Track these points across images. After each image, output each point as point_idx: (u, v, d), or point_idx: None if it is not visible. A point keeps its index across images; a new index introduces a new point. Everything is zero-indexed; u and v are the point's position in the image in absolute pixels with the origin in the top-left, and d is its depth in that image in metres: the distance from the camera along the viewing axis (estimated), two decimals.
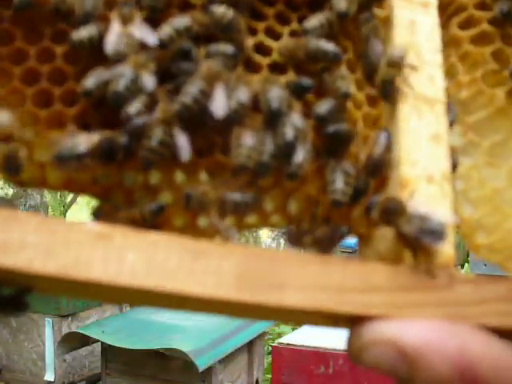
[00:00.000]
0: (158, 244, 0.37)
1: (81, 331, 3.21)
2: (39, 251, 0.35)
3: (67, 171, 0.42)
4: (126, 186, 0.43)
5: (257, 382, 3.57)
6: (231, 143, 0.42)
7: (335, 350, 2.68)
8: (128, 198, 0.43)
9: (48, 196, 13.57)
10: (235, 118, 0.42)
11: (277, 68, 0.46)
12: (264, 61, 0.45)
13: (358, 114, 0.47)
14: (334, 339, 2.82)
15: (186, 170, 0.43)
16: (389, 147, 0.43)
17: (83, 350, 3.77)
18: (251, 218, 0.45)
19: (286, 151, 0.42)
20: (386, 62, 0.43)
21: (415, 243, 0.40)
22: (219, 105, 0.42)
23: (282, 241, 11.00)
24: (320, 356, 2.68)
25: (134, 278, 0.36)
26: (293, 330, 4.72)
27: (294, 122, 0.42)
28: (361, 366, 0.40)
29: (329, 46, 0.44)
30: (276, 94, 0.42)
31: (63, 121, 0.44)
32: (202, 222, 0.43)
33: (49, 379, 3.73)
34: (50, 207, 12.87)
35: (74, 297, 0.54)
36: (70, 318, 3.79)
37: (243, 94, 0.42)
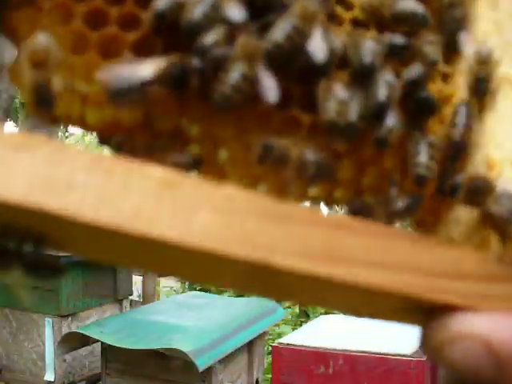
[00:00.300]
0: (234, 201, 0.30)
1: (81, 331, 3.21)
2: (90, 195, 0.28)
3: (123, 107, 0.34)
4: (181, 132, 0.36)
5: (257, 381, 3.57)
6: (318, 96, 0.36)
7: (335, 349, 2.68)
8: (181, 149, 0.36)
9: None
10: (329, 67, 0.36)
11: (357, 25, 0.40)
12: (346, 15, 0.40)
13: (433, 88, 0.41)
14: (334, 339, 2.82)
15: (257, 122, 0.37)
16: (470, 126, 0.38)
17: (83, 350, 3.77)
18: (314, 190, 0.38)
19: (377, 112, 0.37)
20: (475, 60, 0.40)
21: (504, 225, 0.35)
22: (319, 46, 0.36)
23: None
24: (320, 356, 2.68)
25: (206, 240, 0.29)
26: (293, 330, 4.72)
27: (388, 79, 0.37)
28: (439, 364, 0.35)
29: (418, 8, 0.40)
30: (369, 47, 0.37)
31: (118, 47, 0.36)
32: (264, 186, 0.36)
33: (49, 379, 3.73)
34: None
35: (110, 259, 0.35)
36: (70, 318, 3.79)
37: (337, 42, 0.37)
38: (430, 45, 0.40)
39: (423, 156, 0.38)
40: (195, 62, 0.34)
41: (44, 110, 0.35)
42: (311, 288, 0.34)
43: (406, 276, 0.33)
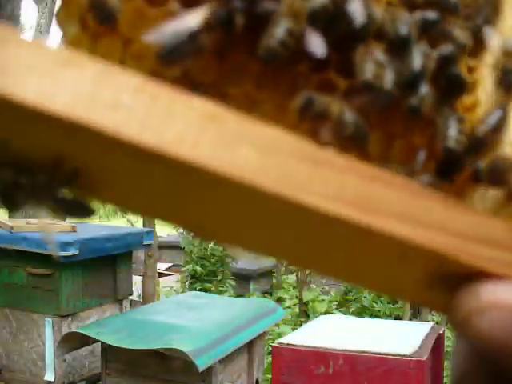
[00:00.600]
0: (276, 141, 0.30)
1: (81, 331, 3.21)
2: (134, 117, 0.28)
3: (175, 64, 0.33)
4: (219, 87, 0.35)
5: (257, 381, 3.57)
6: (356, 60, 0.36)
7: (335, 349, 2.68)
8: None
9: None
10: (367, 31, 0.37)
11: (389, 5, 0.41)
12: None
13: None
14: (334, 339, 2.82)
15: (293, 83, 0.36)
16: (498, 128, 0.39)
17: (83, 350, 3.77)
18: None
19: (411, 81, 0.37)
20: (502, 52, 0.40)
21: None
22: (359, 9, 0.36)
23: None
24: (320, 356, 2.69)
25: (247, 172, 0.29)
26: (293, 330, 4.72)
27: (423, 51, 0.38)
28: (465, 335, 0.34)
29: None
30: (405, 20, 0.38)
31: None
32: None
33: (49, 379, 3.73)
34: None
35: (146, 207, 0.34)
36: (70, 318, 3.79)
37: (376, 12, 0.37)
38: (461, 29, 0.40)
39: (453, 130, 0.38)
40: (238, 3, 0.33)
41: (108, 27, 0.34)
42: (340, 240, 0.33)
43: (443, 236, 0.33)
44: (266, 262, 9.14)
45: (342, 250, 0.35)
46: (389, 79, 0.36)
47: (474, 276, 0.33)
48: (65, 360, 3.77)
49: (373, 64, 0.36)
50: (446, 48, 0.39)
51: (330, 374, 2.67)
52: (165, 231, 12.17)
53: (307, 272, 6.13)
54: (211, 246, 7.10)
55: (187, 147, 0.28)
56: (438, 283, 0.35)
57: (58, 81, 0.27)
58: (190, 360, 2.73)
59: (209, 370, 2.93)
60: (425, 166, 0.39)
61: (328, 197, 0.31)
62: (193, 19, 0.32)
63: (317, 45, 0.35)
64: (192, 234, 0.39)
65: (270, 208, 0.31)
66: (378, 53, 0.37)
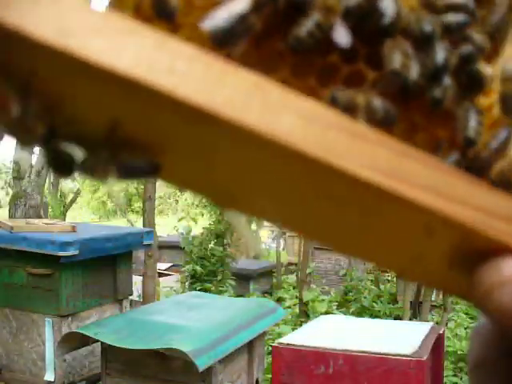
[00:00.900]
0: (317, 112, 0.33)
1: (81, 331, 3.21)
2: (188, 81, 0.31)
3: (230, 47, 0.35)
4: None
5: (257, 381, 3.57)
6: (384, 52, 0.39)
7: (335, 349, 2.68)
8: None
9: (48, 196, 13.59)
10: (396, 27, 0.39)
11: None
12: (406, 2, 0.43)
13: None
14: (334, 339, 2.82)
15: (324, 73, 0.39)
16: (502, 151, 0.41)
17: (83, 350, 3.77)
18: None
19: (435, 74, 0.40)
20: (501, 78, 0.42)
21: None
22: (390, 6, 0.39)
23: (281, 241, 11.00)
24: (320, 356, 2.69)
25: (291, 137, 0.31)
26: (293, 330, 4.73)
27: (446, 47, 0.41)
28: (487, 310, 0.34)
29: (470, 1, 0.42)
30: (429, 19, 0.41)
31: None
32: None
33: (49, 379, 3.73)
34: (50, 207, 12.88)
35: (195, 179, 0.36)
36: (69, 318, 3.79)
37: (404, 10, 0.40)
38: (479, 34, 0.42)
39: (473, 121, 0.41)
40: None
41: (166, 21, 0.36)
42: (373, 212, 0.36)
43: (469, 211, 0.35)
44: (266, 262, 9.15)
45: (373, 223, 0.37)
46: (415, 69, 0.39)
47: (494, 252, 0.35)
48: (65, 360, 3.77)
49: (400, 54, 0.39)
50: (467, 47, 0.42)
51: (330, 373, 2.67)
52: (165, 231, 12.17)
53: (307, 272, 6.13)
54: (211, 246, 7.10)
55: (237, 110, 0.31)
56: (459, 262, 0.36)
57: (120, 44, 0.30)
58: (190, 360, 2.73)
59: (209, 370, 2.93)
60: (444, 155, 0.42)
61: (363, 165, 0.33)
62: (241, 3, 0.35)
63: (343, 36, 0.38)
64: (219, 204, 0.41)
65: (308, 173, 0.34)
66: (405, 45, 0.39)
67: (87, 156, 0.35)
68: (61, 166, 0.35)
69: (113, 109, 0.32)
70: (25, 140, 0.34)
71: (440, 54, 0.41)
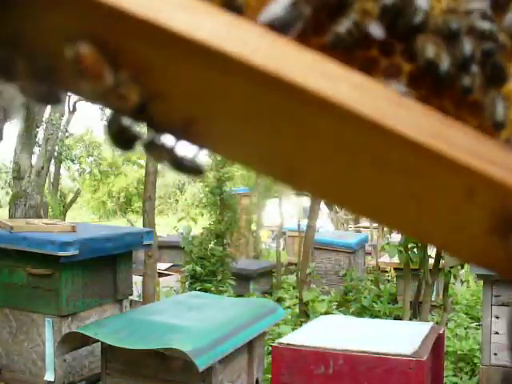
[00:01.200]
0: (368, 84, 0.37)
1: (81, 331, 3.21)
2: (258, 51, 0.35)
3: (288, 32, 0.39)
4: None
5: (257, 381, 3.57)
6: (417, 45, 0.43)
7: (335, 349, 2.68)
8: None
9: (48, 196, 13.58)
10: (428, 23, 0.43)
11: None
12: (437, 5, 0.46)
13: None
14: (334, 339, 2.82)
15: (365, 67, 0.43)
16: None
17: (83, 350, 3.77)
18: None
19: (463, 63, 0.43)
20: None
21: None
22: (424, 3, 0.42)
23: (281, 241, 11.00)
24: (320, 356, 2.69)
25: (347, 100, 0.35)
26: (293, 330, 4.73)
27: (472, 41, 0.44)
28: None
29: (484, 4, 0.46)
30: (455, 19, 0.44)
31: None
32: None
33: (49, 379, 3.73)
34: (50, 207, 12.88)
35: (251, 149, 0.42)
36: (70, 318, 3.79)
37: (433, 8, 0.44)
38: (501, 33, 0.46)
39: (500, 106, 0.44)
40: None
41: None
42: (418, 174, 0.39)
43: (511, 174, 0.37)
44: (266, 262, 9.15)
45: (416, 188, 0.40)
46: (446, 60, 0.43)
47: None
48: (65, 360, 3.77)
49: (433, 45, 0.43)
50: (489, 43, 0.45)
51: (330, 373, 2.67)
52: (165, 231, 12.16)
53: (307, 272, 6.13)
54: (211, 246, 7.10)
55: (300, 77, 0.35)
56: (499, 228, 0.39)
57: (200, 18, 0.34)
58: (190, 360, 2.73)
59: (209, 370, 2.93)
60: None
61: (410, 126, 0.37)
62: None
63: (377, 29, 0.42)
64: (277, 179, 0.45)
65: (363, 135, 0.37)
66: (437, 38, 0.43)
67: (151, 138, 0.40)
68: (126, 141, 0.40)
69: (193, 78, 0.36)
70: (119, 107, 0.38)
71: (467, 46, 0.44)
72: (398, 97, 0.38)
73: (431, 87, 0.43)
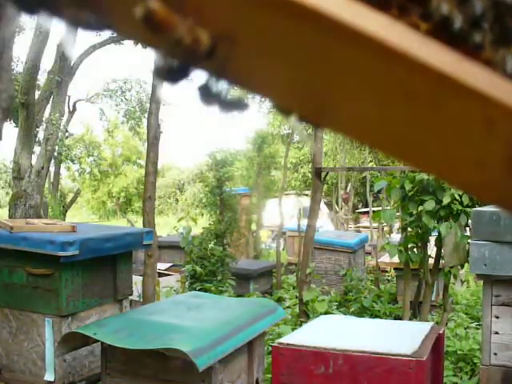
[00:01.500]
0: (391, 22, 0.41)
1: (81, 331, 3.21)
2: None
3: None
4: None
5: (257, 382, 3.57)
6: (432, 6, 0.46)
7: (335, 349, 2.68)
8: None
9: (48, 196, 13.57)
10: None
11: None
12: None
13: None
14: (334, 339, 2.82)
15: None
16: None
17: (83, 350, 3.77)
18: None
19: (475, 20, 0.46)
20: None
21: None
22: None
23: (281, 241, 11.00)
24: (320, 356, 2.69)
25: (391, 39, 0.39)
26: (293, 330, 4.73)
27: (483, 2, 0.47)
28: None
29: None
30: None
31: None
32: None
33: (49, 379, 3.73)
34: (49, 207, 12.87)
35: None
36: (70, 318, 3.79)
37: None
38: None
39: (510, 63, 0.46)
40: None
41: None
42: (438, 102, 0.42)
43: None
44: (266, 262, 9.15)
45: (439, 121, 0.43)
46: (459, 17, 0.46)
47: None
48: (65, 360, 3.77)
49: (447, 4, 0.45)
50: (502, 5, 0.48)
51: (330, 373, 2.67)
52: (165, 231, 12.15)
53: (307, 272, 6.13)
54: (211, 246, 7.10)
55: (336, 12, 0.38)
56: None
57: None
58: (190, 360, 2.73)
59: (209, 370, 2.93)
60: None
61: (434, 58, 0.40)
62: None
63: None
64: (306, 116, 0.48)
65: (393, 65, 0.40)
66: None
67: (206, 82, 0.44)
68: (177, 77, 0.42)
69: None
70: (190, 53, 0.40)
71: (478, 5, 0.47)
72: (420, 36, 0.42)
73: (446, 45, 0.46)
